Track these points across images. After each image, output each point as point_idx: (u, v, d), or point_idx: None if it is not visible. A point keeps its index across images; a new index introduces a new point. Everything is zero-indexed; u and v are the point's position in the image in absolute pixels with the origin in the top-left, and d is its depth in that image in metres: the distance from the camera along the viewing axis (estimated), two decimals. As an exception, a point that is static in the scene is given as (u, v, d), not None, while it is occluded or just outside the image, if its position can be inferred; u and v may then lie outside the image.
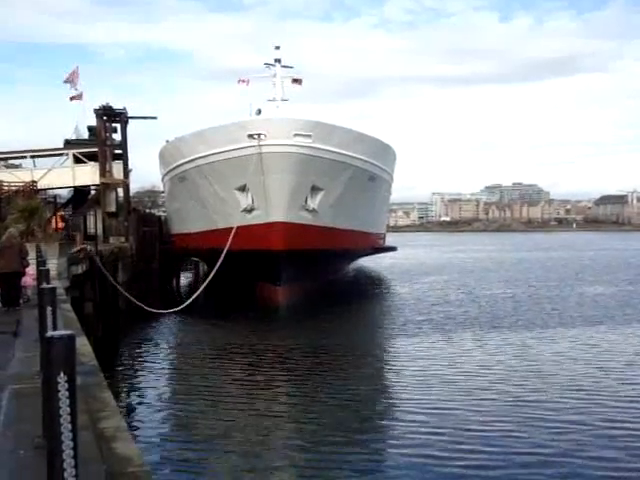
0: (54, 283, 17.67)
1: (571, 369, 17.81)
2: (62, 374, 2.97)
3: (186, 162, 36.37)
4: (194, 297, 26.22)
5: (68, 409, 2.83)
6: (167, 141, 40.94)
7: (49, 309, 6.09)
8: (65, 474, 2.45)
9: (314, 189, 33.29)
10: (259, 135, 30.59)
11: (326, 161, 32.73)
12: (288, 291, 32.26)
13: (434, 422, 12.92)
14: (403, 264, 61.58)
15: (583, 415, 13.36)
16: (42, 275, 9.39)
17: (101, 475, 4.80)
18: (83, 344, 9.78)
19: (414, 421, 13.06)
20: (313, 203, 33.46)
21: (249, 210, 32.93)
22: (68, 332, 3.12)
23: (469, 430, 12.38)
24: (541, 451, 11.22)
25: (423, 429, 12.53)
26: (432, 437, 11.99)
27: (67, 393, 2.90)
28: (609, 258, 70.38)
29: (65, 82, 40.26)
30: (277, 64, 43.98)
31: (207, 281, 28.31)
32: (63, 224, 27.74)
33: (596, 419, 13.05)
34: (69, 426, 2.75)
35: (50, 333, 3.11)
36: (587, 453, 11.15)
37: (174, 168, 39.07)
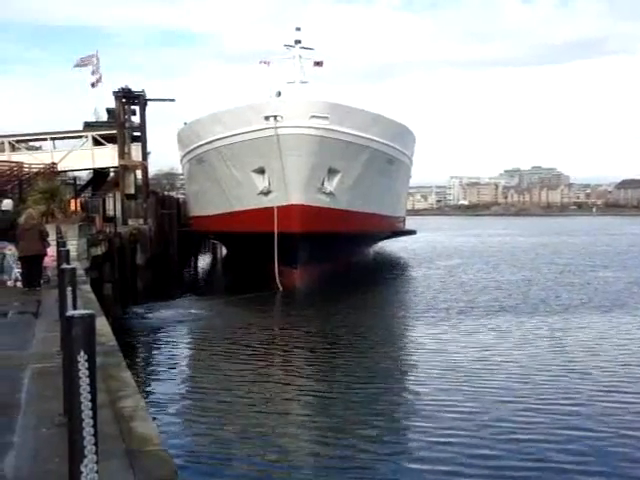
0: (74, 264, 17.89)
1: (605, 366, 16.44)
2: (82, 353, 3.01)
3: (203, 144, 36.40)
4: None
5: (88, 387, 2.87)
6: (185, 123, 41.01)
7: (69, 289, 6.15)
8: (85, 451, 2.49)
9: (331, 171, 33.14)
10: (275, 117, 30.47)
11: (343, 143, 32.54)
12: (305, 274, 32.29)
13: (458, 421, 12.12)
14: (422, 247, 61.30)
15: (618, 420, 12.24)
16: (62, 256, 9.48)
17: (120, 453, 4.88)
18: (102, 324, 9.91)
19: (436, 417, 12.41)
20: (330, 185, 33.31)
21: (266, 193, 32.94)
22: (88, 311, 3.16)
23: (496, 431, 11.57)
24: (575, 459, 10.47)
25: (445, 427, 11.84)
26: (454, 437, 11.34)
27: (87, 372, 2.94)
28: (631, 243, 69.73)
29: (76, 66, 40.28)
30: (297, 45, 43.71)
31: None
32: (80, 206, 27.95)
33: (630, 426, 11.98)
34: (89, 404, 2.79)
35: (70, 312, 3.15)
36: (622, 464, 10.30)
37: (192, 150, 39.15)
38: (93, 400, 2.95)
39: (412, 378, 15.79)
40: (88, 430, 2.60)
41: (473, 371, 15.82)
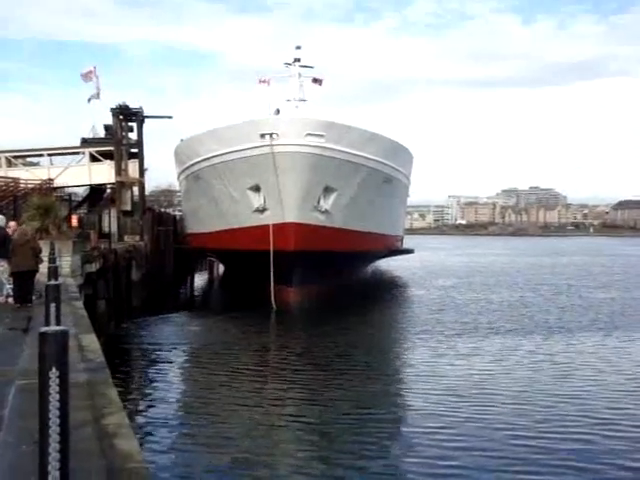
0: (67, 281, 17.85)
1: (605, 392, 16.04)
2: (54, 369, 3.00)
3: (200, 161, 36.47)
4: None
5: (58, 404, 2.86)
6: (182, 139, 41.10)
7: (53, 305, 6.15)
8: (49, 467, 2.48)
9: (327, 190, 33.17)
10: (271, 134, 30.55)
11: (339, 161, 32.59)
12: (300, 292, 32.22)
13: (455, 451, 11.70)
14: (420, 267, 61.26)
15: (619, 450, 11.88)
16: (51, 272, 9.48)
17: (100, 470, 4.85)
18: (91, 341, 9.89)
19: (431, 447, 11.95)
20: (326, 204, 33.31)
21: (261, 210, 32.95)
22: (61, 328, 3.15)
23: (489, 461, 11.25)
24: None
25: (442, 457, 11.47)
26: (451, 466, 11.10)
27: (58, 388, 2.93)
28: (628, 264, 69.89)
29: (82, 77, 40.54)
30: (296, 63, 43.92)
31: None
32: (77, 222, 28.11)
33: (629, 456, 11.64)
34: (57, 420, 2.78)
35: (43, 329, 3.14)
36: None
37: (188, 167, 39.24)
38: (63, 417, 2.94)
39: (407, 404, 15.40)
40: (54, 446, 2.59)
41: (470, 397, 15.33)
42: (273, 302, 30.83)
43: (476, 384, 16.76)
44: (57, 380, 2.95)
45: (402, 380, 18.22)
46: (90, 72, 40.70)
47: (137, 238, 37.23)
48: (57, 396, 2.87)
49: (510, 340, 23.17)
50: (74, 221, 28.05)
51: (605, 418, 13.83)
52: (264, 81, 43.43)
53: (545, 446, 11.96)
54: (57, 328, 3.12)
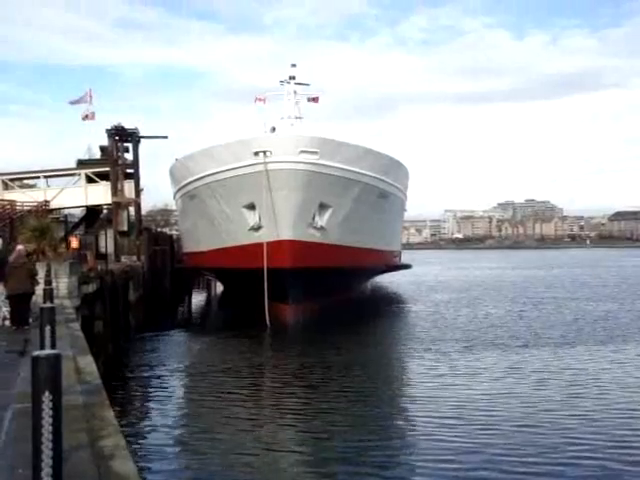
0: (64, 302, 17.84)
1: (613, 410, 15.44)
2: (47, 393, 3.02)
3: (194, 180, 36.52)
4: None
5: (51, 427, 2.88)
6: (177, 159, 41.16)
7: (48, 328, 6.17)
8: (42, 491, 2.50)
9: (322, 206, 33.17)
10: (265, 152, 30.62)
11: (333, 178, 32.62)
12: (297, 309, 32.10)
13: (456, 462, 11.67)
14: (417, 282, 61.16)
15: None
16: (46, 295, 9.49)
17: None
18: (88, 363, 9.88)
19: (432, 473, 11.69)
20: (321, 220, 33.28)
21: (256, 228, 32.95)
22: (54, 351, 3.18)
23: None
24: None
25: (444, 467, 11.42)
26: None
27: (51, 412, 2.95)
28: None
29: (71, 103, 40.73)
30: (291, 81, 44.14)
31: None
32: (77, 244, 28.09)
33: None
34: (50, 444, 2.80)
35: (36, 352, 3.17)
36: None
37: (184, 186, 39.29)
38: (57, 441, 2.95)
39: (405, 427, 14.94)
40: (47, 471, 2.61)
41: (473, 418, 14.82)
42: (267, 321, 30.68)
43: (478, 405, 16.20)
44: (50, 404, 2.97)
45: (400, 402, 17.73)
46: (85, 96, 40.89)
47: (134, 258, 37.24)
48: (50, 420, 2.89)
49: (511, 356, 22.78)
50: (74, 242, 28.04)
51: (611, 433, 13.57)
52: (260, 99, 43.61)
53: (554, 470, 11.61)
54: (50, 352, 3.15)
